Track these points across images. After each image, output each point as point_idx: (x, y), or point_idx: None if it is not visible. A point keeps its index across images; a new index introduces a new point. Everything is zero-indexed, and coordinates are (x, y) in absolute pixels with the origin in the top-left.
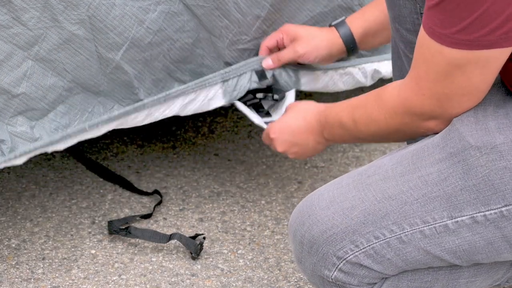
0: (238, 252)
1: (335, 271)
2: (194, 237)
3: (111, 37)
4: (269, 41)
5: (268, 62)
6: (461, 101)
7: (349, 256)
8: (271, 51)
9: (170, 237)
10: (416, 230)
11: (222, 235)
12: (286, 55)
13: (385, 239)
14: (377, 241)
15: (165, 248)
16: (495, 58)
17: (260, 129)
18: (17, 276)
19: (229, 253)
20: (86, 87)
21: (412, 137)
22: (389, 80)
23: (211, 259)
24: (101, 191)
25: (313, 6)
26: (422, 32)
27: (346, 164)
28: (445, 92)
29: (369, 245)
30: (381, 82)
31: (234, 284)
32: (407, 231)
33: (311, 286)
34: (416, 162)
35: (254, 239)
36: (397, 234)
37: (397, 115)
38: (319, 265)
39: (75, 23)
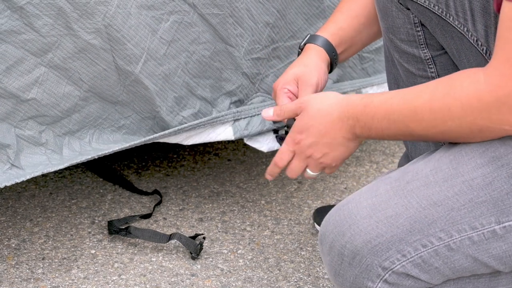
0: (238, 252)
1: (379, 282)
2: (194, 237)
3: (128, 48)
4: (281, 102)
5: (268, 113)
6: None
7: (396, 266)
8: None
9: (170, 237)
10: (464, 237)
11: (222, 235)
12: (301, 93)
13: (433, 247)
14: (425, 249)
15: (165, 248)
16: None
17: None
18: (17, 276)
19: (229, 253)
20: (104, 97)
21: (482, 139)
22: None
23: (211, 259)
24: (101, 191)
25: (308, 9)
26: (505, 7)
27: (346, 164)
28: None
29: (417, 254)
30: None
31: (234, 284)
32: (456, 238)
33: (311, 286)
34: (456, 167)
35: (254, 239)
36: (446, 241)
37: (479, 109)
38: (361, 277)
39: (91, 32)
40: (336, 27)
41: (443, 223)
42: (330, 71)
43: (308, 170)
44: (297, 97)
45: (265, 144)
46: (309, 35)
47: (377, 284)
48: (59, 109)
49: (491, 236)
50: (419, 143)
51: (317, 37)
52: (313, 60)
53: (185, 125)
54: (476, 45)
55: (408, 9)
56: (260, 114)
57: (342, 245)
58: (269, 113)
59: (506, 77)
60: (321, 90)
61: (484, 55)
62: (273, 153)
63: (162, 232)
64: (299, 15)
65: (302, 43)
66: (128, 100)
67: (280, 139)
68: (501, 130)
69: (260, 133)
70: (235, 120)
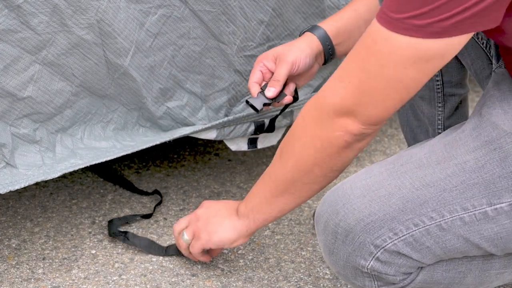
0: (238, 252)
1: (372, 260)
2: None
3: (119, 42)
4: (253, 76)
5: (271, 91)
6: (386, 98)
7: (387, 244)
8: (261, 85)
9: (166, 250)
10: (456, 217)
11: None
12: (281, 72)
13: (424, 227)
14: (416, 228)
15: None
16: (440, 54)
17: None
18: (17, 276)
19: (229, 253)
20: (93, 91)
21: (336, 159)
22: None
23: (211, 259)
24: (102, 191)
25: (307, 8)
26: (372, 23)
27: None
28: (372, 85)
29: (408, 233)
30: None
31: (234, 284)
32: (447, 218)
33: (311, 286)
34: (450, 151)
35: (254, 239)
36: (437, 221)
37: (314, 118)
38: (354, 255)
39: (84, 27)
40: (335, 19)
41: (435, 204)
42: (325, 62)
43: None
44: (272, 73)
45: (235, 144)
46: (311, 25)
47: (370, 262)
48: (53, 105)
49: (483, 217)
50: (420, 138)
51: (315, 27)
52: (299, 43)
53: (179, 135)
54: (476, 39)
55: None
56: (246, 123)
57: (336, 223)
58: (271, 90)
59: (337, 79)
60: (298, 71)
61: (484, 49)
62: (273, 154)
63: (162, 231)
64: (297, 14)
65: (302, 31)
66: (115, 93)
67: (251, 106)
68: (337, 138)
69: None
70: (221, 128)
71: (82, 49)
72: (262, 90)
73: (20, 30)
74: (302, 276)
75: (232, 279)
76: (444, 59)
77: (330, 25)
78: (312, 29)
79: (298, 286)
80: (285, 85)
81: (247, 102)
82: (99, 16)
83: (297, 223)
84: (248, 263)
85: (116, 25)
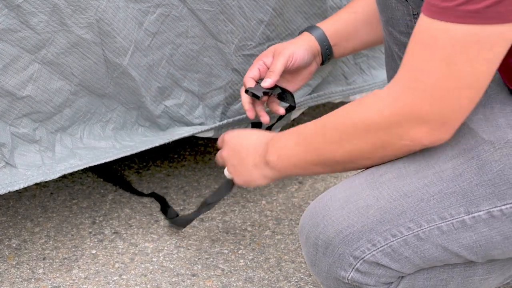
0: (239, 252)
1: (351, 271)
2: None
3: (118, 41)
4: (250, 72)
5: (267, 81)
6: (460, 96)
7: (366, 255)
8: (257, 81)
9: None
10: (433, 227)
11: (222, 235)
12: (277, 64)
13: (402, 237)
14: (394, 239)
15: (166, 248)
16: (502, 38)
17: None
18: (17, 276)
19: (230, 253)
20: (92, 90)
21: (391, 156)
22: None
23: (211, 259)
24: (102, 191)
25: (309, 8)
26: (420, 19)
27: None
28: (444, 87)
29: (386, 244)
30: None
31: (234, 284)
32: (425, 228)
33: (311, 286)
34: (428, 159)
35: (254, 239)
36: (415, 231)
37: (380, 124)
38: (334, 266)
39: (84, 27)
40: (333, 20)
41: (413, 214)
42: (323, 62)
43: (225, 171)
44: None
45: None
46: (309, 26)
47: (350, 273)
48: (52, 104)
49: (461, 226)
50: None
51: (313, 27)
52: (296, 41)
53: (177, 137)
54: None
55: (407, 0)
56: (244, 124)
57: (316, 235)
58: (267, 81)
59: (405, 89)
60: (295, 65)
61: None
62: None
63: (163, 234)
64: (298, 14)
65: (300, 32)
66: (114, 92)
67: (252, 95)
68: (402, 145)
69: None
70: (218, 129)
71: (82, 48)
72: (258, 83)
73: (19, 29)
74: (302, 276)
75: (233, 279)
76: (508, 42)
77: (328, 26)
78: (310, 29)
79: (298, 286)
80: (284, 90)
81: (246, 91)
82: (98, 16)
83: (298, 223)
84: (248, 263)
85: (115, 25)
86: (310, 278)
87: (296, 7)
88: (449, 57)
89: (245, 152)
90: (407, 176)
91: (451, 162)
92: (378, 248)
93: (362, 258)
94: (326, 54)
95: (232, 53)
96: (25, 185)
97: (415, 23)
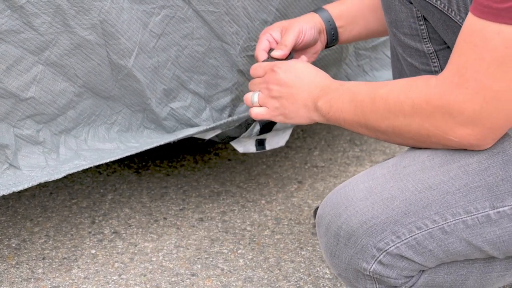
0: (238, 251)
1: (374, 263)
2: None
3: (122, 43)
4: (260, 45)
5: (278, 52)
6: (510, 99)
7: (390, 247)
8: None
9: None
10: (458, 220)
11: (222, 234)
12: (288, 38)
13: (427, 230)
14: (419, 231)
15: (165, 247)
16: None
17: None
18: (17, 276)
19: (229, 253)
20: (96, 92)
21: (431, 145)
22: None
23: (211, 259)
24: (101, 190)
25: (312, 9)
26: (470, 18)
27: (346, 164)
28: (494, 88)
29: (411, 236)
30: None
31: (234, 284)
32: (450, 222)
33: (311, 286)
34: (453, 153)
35: (254, 239)
36: (440, 224)
37: (426, 111)
38: (356, 258)
39: (87, 28)
40: (340, 2)
41: (438, 206)
42: (328, 44)
43: (254, 96)
44: (277, 44)
45: (243, 146)
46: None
47: (372, 265)
48: (56, 106)
49: (485, 220)
50: None
51: (319, 8)
52: (302, 19)
53: (184, 135)
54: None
55: (411, 3)
56: (252, 124)
57: (338, 226)
58: (277, 52)
59: (453, 85)
60: (304, 42)
61: None
62: (273, 154)
63: (162, 233)
64: (301, 14)
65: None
66: (119, 94)
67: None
68: (448, 140)
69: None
70: (225, 129)
71: (85, 50)
72: (269, 56)
73: (22, 30)
74: (302, 276)
75: (232, 278)
76: None
77: (334, 8)
78: (316, 10)
79: (298, 285)
80: None
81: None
82: (102, 17)
83: (297, 223)
84: (248, 262)
85: (120, 26)
86: (309, 278)
87: (300, 8)
88: (501, 58)
89: (297, 89)
90: (432, 169)
91: (476, 156)
92: (403, 240)
93: (386, 250)
94: (331, 34)
95: (237, 54)
96: (29, 185)
97: (419, 25)
